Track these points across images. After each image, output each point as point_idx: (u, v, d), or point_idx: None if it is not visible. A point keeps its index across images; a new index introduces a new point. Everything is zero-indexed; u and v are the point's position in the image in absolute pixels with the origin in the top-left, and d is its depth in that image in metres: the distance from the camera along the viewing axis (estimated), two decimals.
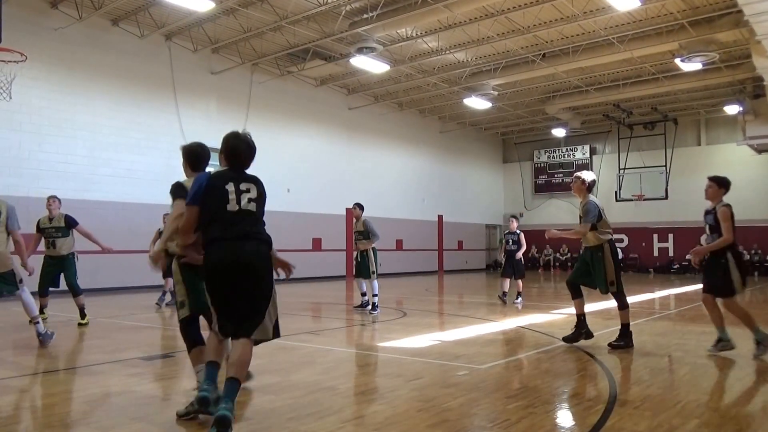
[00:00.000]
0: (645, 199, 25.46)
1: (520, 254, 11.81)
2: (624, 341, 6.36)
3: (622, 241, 27.16)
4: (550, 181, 30.17)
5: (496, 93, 21.01)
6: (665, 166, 25.56)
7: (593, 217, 6.38)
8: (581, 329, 6.55)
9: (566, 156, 29.78)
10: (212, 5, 13.02)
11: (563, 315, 9.69)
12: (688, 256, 24.85)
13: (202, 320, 4.17)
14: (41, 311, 7.80)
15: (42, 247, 8.30)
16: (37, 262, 7.49)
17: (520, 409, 4.02)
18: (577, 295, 6.62)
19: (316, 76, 20.18)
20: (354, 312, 10.34)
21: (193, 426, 3.79)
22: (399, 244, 24.25)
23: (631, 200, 25.66)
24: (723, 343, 6.08)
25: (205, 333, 3.98)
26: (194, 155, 4.27)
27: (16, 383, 4.97)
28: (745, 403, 4.43)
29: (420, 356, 6.15)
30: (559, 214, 28.74)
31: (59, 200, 8.49)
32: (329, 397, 4.40)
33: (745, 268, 6.09)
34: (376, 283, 10.18)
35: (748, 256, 22.13)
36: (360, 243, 10.35)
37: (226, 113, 18.07)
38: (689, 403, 4.19)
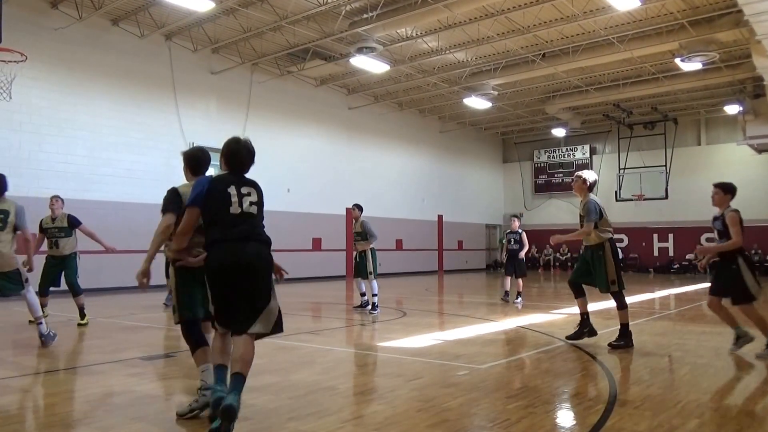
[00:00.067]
0: (645, 199, 25.46)
1: (522, 254, 11.83)
2: (624, 341, 6.37)
3: (622, 241, 27.15)
4: (550, 181, 30.17)
5: (496, 93, 21.00)
6: (665, 165, 25.55)
7: (596, 216, 6.39)
8: (584, 328, 6.59)
9: (566, 156, 29.78)
10: (212, 5, 13.02)
11: (563, 315, 9.70)
12: (689, 256, 25.03)
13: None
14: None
15: (44, 246, 8.30)
16: (38, 261, 7.48)
17: (520, 409, 4.02)
18: (579, 294, 6.66)
19: (316, 75, 20.18)
20: (354, 312, 10.34)
21: (193, 426, 3.79)
22: (399, 244, 24.26)
23: (631, 200, 25.66)
24: (742, 339, 6.07)
25: (209, 335, 3.99)
26: (195, 160, 4.31)
27: (16, 383, 4.97)
28: (745, 403, 4.43)
29: (420, 356, 6.15)
30: (559, 214, 28.75)
31: (62, 200, 8.48)
32: (329, 396, 4.40)
33: (755, 270, 6.06)
34: (375, 283, 10.20)
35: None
36: (358, 244, 10.40)
37: (226, 113, 18.07)
38: (689, 403, 4.19)
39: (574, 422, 3.92)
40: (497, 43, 16.91)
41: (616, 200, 25.69)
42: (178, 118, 16.75)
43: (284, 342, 6.73)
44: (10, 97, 11.27)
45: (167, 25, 15.44)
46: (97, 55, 15.08)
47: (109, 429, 3.64)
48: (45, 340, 6.54)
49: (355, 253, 10.67)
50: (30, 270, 6.56)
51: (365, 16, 14.97)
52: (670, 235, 26.69)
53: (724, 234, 5.95)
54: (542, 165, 30.54)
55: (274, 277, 3.89)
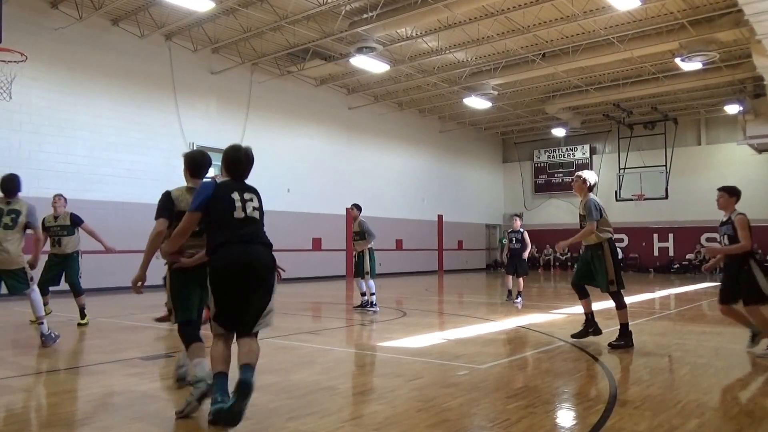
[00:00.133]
0: (645, 199, 25.46)
1: (526, 255, 11.85)
2: (624, 341, 6.37)
3: (622, 240, 27.14)
4: (550, 181, 30.17)
5: (495, 93, 21.00)
6: (665, 165, 25.55)
7: (597, 215, 6.41)
8: (589, 327, 6.65)
9: (566, 156, 29.78)
10: (212, 5, 13.02)
11: (563, 315, 9.71)
12: (689, 256, 25.02)
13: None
14: None
15: (46, 245, 8.30)
16: (41, 260, 7.49)
17: (520, 409, 4.02)
18: (583, 296, 6.71)
19: (316, 75, 20.18)
20: (354, 312, 10.34)
21: (193, 426, 3.79)
22: (399, 244, 24.26)
23: (631, 200, 25.66)
24: (758, 336, 6.07)
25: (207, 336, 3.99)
26: (195, 163, 4.38)
27: (16, 383, 4.97)
28: (745, 403, 4.43)
29: (420, 356, 6.15)
30: (559, 213, 28.75)
31: (65, 199, 8.52)
32: (329, 397, 4.40)
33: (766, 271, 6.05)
34: (371, 282, 10.27)
35: None
36: (357, 243, 10.48)
37: (226, 113, 18.07)
38: (689, 403, 4.19)
39: (574, 422, 3.92)
40: (497, 42, 16.91)
41: (616, 200, 25.69)
42: (178, 118, 16.75)
43: (284, 342, 6.74)
44: (10, 97, 11.27)
45: (167, 25, 15.44)
46: (97, 55, 15.08)
47: (109, 429, 3.64)
48: (45, 340, 6.54)
49: (354, 252, 10.71)
50: (33, 267, 6.60)
51: (365, 16, 14.97)
52: (670, 235, 26.69)
53: (734, 239, 5.95)
54: (542, 165, 30.54)
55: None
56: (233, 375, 3.79)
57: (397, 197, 24.36)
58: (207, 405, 3.95)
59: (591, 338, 6.71)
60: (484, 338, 7.32)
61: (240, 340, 3.72)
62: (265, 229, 3.95)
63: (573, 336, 6.74)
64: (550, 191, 29.96)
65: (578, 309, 10.05)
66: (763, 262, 6.12)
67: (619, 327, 6.47)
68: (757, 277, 5.82)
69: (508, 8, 14.73)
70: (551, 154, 30.29)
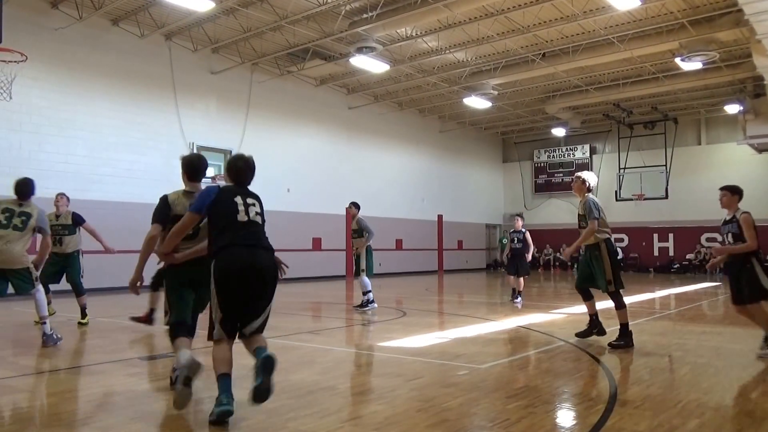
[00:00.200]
0: (645, 199, 25.46)
1: (529, 256, 11.86)
2: (624, 341, 6.37)
3: (622, 240, 27.15)
4: (550, 181, 30.16)
5: (495, 92, 20.99)
6: (665, 165, 25.55)
7: (597, 213, 6.45)
8: (593, 328, 6.72)
9: (566, 155, 29.77)
10: (212, 5, 13.02)
11: (563, 315, 9.71)
12: (689, 256, 25.00)
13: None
14: None
15: None
16: None
17: (520, 409, 4.02)
18: (587, 298, 6.77)
19: (316, 75, 20.17)
20: (354, 312, 10.35)
21: (193, 426, 3.80)
22: (399, 244, 24.25)
23: (632, 200, 25.66)
24: None
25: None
26: (192, 166, 4.51)
27: (15, 383, 4.97)
28: (745, 403, 4.43)
29: (420, 356, 6.15)
30: (559, 213, 28.74)
31: (67, 198, 8.52)
32: (329, 396, 4.40)
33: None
34: (365, 280, 10.31)
35: None
36: (355, 241, 10.55)
37: (226, 113, 18.07)
38: (689, 403, 4.19)
39: (574, 422, 3.92)
40: (497, 42, 16.90)
41: (617, 200, 25.69)
42: (178, 118, 16.75)
43: (284, 342, 6.74)
44: (10, 97, 11.27)
45: (167, 25, 15.44)
46: (97, 55, 15.08)
47: (109, 429, 3.64)
48: (46, 340, 6.54)
49: (354, 252, 10.74)
50: (37, 268, 6.69)
51: (365, 15, 14.97)
52: (671, 235, 26.69)
53: (739, 237, 5.96)
54: (542, 165, 30.54)
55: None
56: (236, 375, 3.80)
57: (397, 197, 24.35)
58: (208, 406, 3.95)
59: (592, 338, 6.74)
60: (484, 338, 7.32)
61: (245, 340, 3.86)
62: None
63: (577, 335, 6.82)
64: (550, 191, 29.96)
65: (578, 309, 10.07)
66: (764, 261, 6.12)
67: (619, 327, 6.48)
68: (759, 276, 5.84)
69: (508, 8, 14.72)
70: (551, 154, 30.29)
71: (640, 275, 24.08)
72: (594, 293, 6.76)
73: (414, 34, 16.57)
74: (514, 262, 11.84)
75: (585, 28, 16.25)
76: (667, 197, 25.01)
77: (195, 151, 16.18)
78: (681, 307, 11.67)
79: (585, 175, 6.77)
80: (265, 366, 3.62)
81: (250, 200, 3.99)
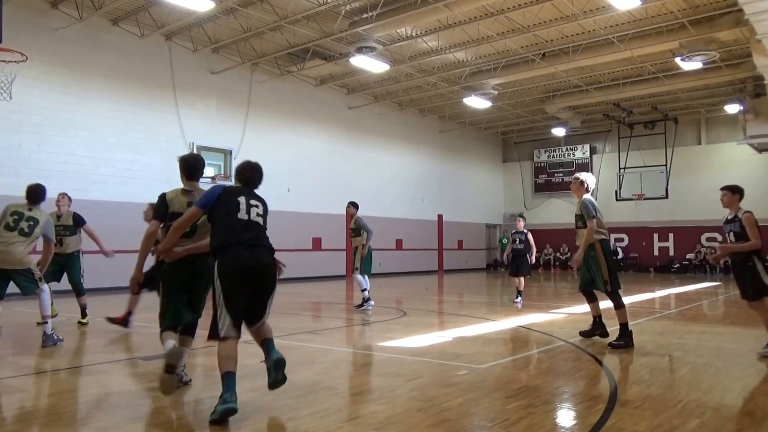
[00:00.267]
0: (645, 199, 25.45)
1: (533, 258, 11.88)
2: (624, 340, 6.38)
3: (622, 240, 27.17)
4: (550, 181, 30.15)
5: (495, 92, 20.98)
6: (665, 165, 25.54)
7: (594, 210, 6.50)
8: (596, 330, 6.79)
9: (566, 155, 29.76)
10: (212, 5, 13.01)
11: (563, 314, 9.71)
12: (689, 256, 24.99)
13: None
14: None
15: None
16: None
17: (520, 409, 4.02)
18: (591, 300, 6.84)
19: (316, 75, 20.17)
20: (354, 312, 10.34)
21: (193, 426, 3.80)
22: (399, 244, 24.25)
23: (632, 199, 25.65)
24: None
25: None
26: (189, 165, 4.64)
27: (15, 383, 4.97)
28: (745, 403, 4.42)
29: (420, 356, 6.15)
30: (559, 213, 28.72)
31: (69, 198, 8.49)
32: (329, 396, 4.40)
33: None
34: (359, 277, 10.38)
35: None
36: (354, 240, 10.62)
37: (226, 113, 18.07)
38: (689, 403, 4.19)
39: (574, 422, 3.92)
40: (497, 42, 16.90)
41: (617, 200, 25.69)
42: (178, 118, 16.75)
43: (284, 342, 6.73)
44: (11, 97, 11.26)
45: (167, 25, 15.44)
46: (97, 55, 15.08)
47: (108, 429, 3.64)
48: (46, 339, 6.55)
49: (354, 251, 10.79)
50: (40, 271, 6.75)
51: (365, 15, 14.97)
52: (671, 235, 26.68)
53: (741, 236, 5.99)
54: (542, 164, 30.53)
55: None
56: (237, 375, 3.80)
57: (397, 197, 24.35)
58: (208, 406, 3.95)
59: (594, 338, 6.76)
60: (484, 338, 7.32)
61: (252, 329, 4.04)
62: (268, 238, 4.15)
63: (581, 333, 6.92)
64: (550, 191, 29.95)
65: (578, 309, 10.08)
66: (765, 260, 6.14)
67: (619, 327, 6.48)
68: (761, 273, 5.88)
69: (508, 8, 14.72)
70: (551, 154, 30.28)
71: (640, 275, 24.08)
72: (598, 295, 6.79)
73: (414, 34, 16.56)
74: (516, 263, 11.85)
75: (585, 28, 16.25)
76: (667, 197, 25.00)
77: (195, 151, 16.18)
78: (681, 306, 11.66)
79: (583, 176, 6.84)
80: (277, 366, 3.96)
81: (253, 201, 4.10)
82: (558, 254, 28.96)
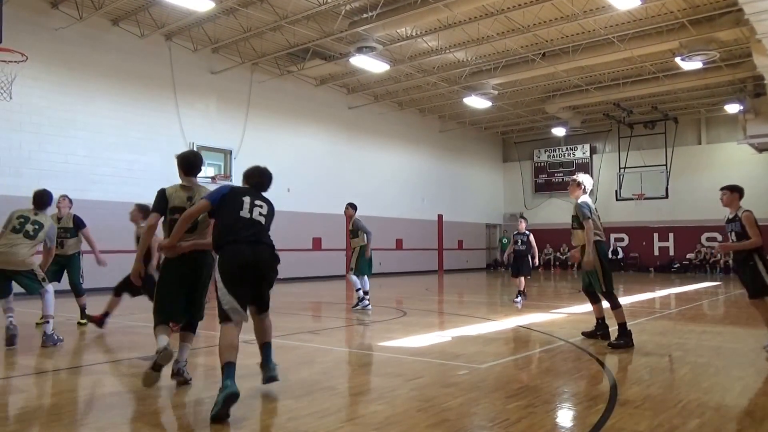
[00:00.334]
0: (645, 198, 25.45)
1: (536, 261, 11.89)
2: (624, 340, 6.38)
3: (622, 240, 27.18)
4: (550, 181, 30.15)
5: (496, 92, 20.98)
6: (666, 165, 25.54)
7: (589, 212, 6.57)
8: (598, 330, 6.84)
9: (566, 155, 29.76)
10: (212, 5, 13.02)
11: (563, 314, 9.71)
12: (689, 255, 24.98)
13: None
14: None
15: None
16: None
17: (520, 409, 4.02)
18: (594, 301, 6.88)
19: (316, 75, 20.17)
20: (354, 312, 10.34)
21: (193, 425, 3.79)
22: (399, 244, 24.25)
23: (632, 199, 25.65)
24: None
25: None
26: (187, 161, 4.78)
27: (15, 383, 4.97)
28: (745, 403, 4.42)
29: (420, 356, 6.15)
30: (559, 213, 28.69)
31: (70, 200, 8.49)
32: (329, 397, 4.40)
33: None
34: (353, 278, 10.41)
35: None
36: (353, 241, 10.65)
37: (226, 113, 18.07)
38: (690, 403, 4.18)
39: (574, 422, 3.92)
40: (497, 42, 16.90)
41: (617, 199, 25.69)
42: (178, 118, 16.75)
43: (284, 342, 6.73)
44: (11, 97, 11.27)
45: (167, 25, 15.44)
46: (97, 55, 15.08)
47: (107, 429, 3.64)
48: (46, 339, 6.57)
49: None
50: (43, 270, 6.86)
51: (365, 15, 14.97)
52: (671, 235, 26.68)
53: (742, 235, 6.04)
54: (542, 164, 30.53)
55: None
56: (237, 374, 3.80)
57: (397, 197, 24.35)
58: (208, 406, 3.95)
59: (595, 339, 6.76)
60: (484, 338, 7.32)
61: (255, 316, 4.31)
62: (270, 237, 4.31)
63: (583, 333, 6.98)
64: (550, 191, 29.95)
65: (578, 308, 10.09)
66: (766, 258, 6.16)
67: (617, 327, 6.49)
68: (762, 272, 5.92)
69: (508, 8, 14.72)
70: (551, 154, 30.28)
71: (641, 275, 24.08)
72: (600, 297, 6.81)
73: (414, 34, 16.56)
74: (517, 264, 11.86)
75: (585, 28, 16.25)
76: (667, 197, 25.00)
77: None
78: (681, 306, 11.66)
79: (581, 177, 6.90)
80: (268, 381, 4.36)
81: (258, 202, 4.25)
82: (558, 254, 28.97)
